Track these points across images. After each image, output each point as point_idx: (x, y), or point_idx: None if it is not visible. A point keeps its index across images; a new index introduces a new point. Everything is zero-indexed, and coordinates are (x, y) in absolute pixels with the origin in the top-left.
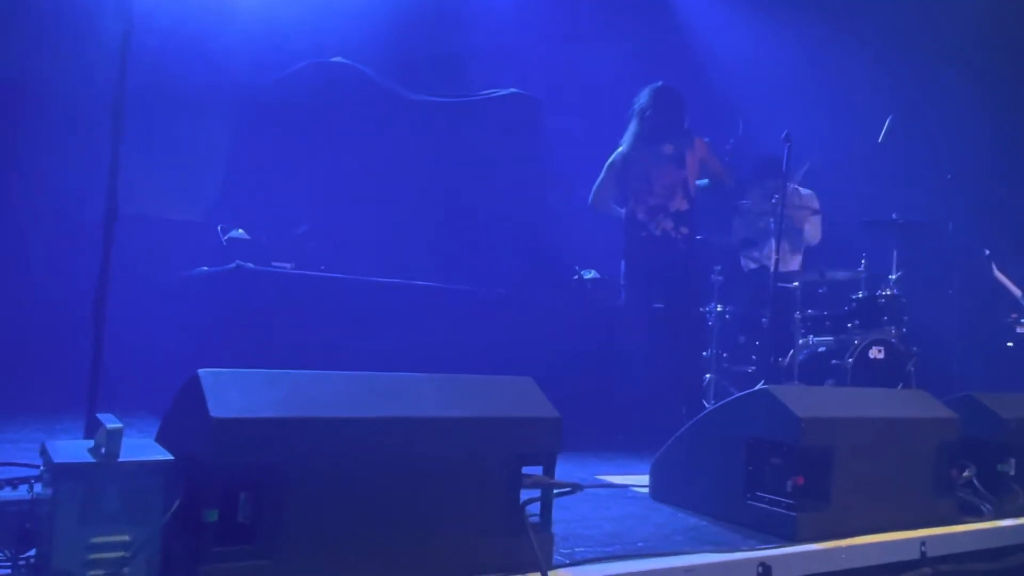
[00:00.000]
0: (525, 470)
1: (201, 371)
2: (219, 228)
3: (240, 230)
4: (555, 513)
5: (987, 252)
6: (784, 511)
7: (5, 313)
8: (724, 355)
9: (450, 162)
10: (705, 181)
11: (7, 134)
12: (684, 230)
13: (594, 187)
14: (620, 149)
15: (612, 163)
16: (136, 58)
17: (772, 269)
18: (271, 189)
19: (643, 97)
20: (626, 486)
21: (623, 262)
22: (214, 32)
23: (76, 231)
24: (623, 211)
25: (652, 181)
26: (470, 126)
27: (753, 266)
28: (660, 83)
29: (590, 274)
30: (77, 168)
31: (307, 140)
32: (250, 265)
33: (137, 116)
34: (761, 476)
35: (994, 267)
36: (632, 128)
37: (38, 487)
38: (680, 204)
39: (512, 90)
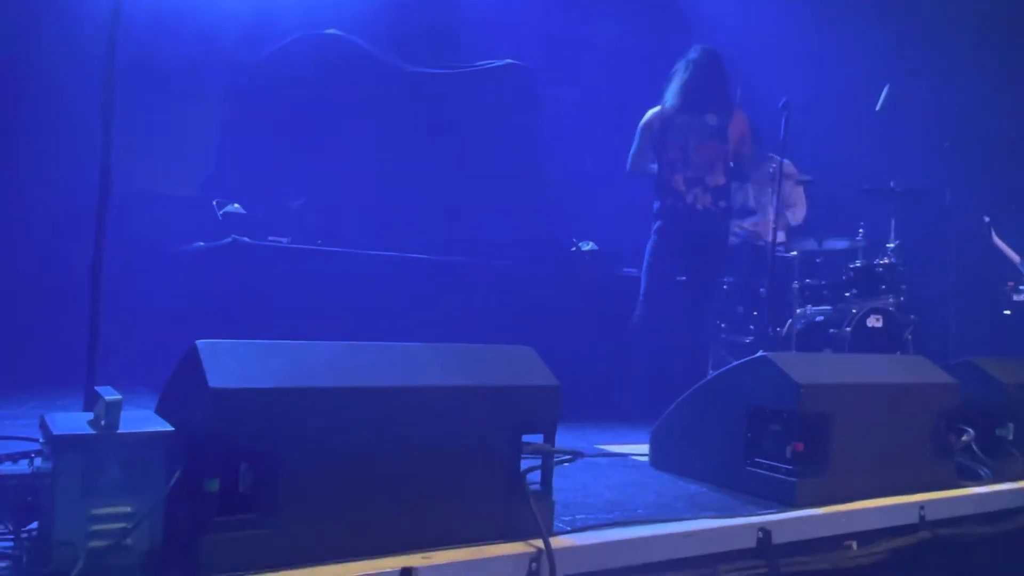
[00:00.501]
0: (525, 438)
1: (199, 342)
2: (214, 203)
3: (236, 204)
4: (555, 482)
5: (986, 219)
6: (783, 477)
7: (2, 291)
8: (722, 325)
9: (446, 133)
10: None
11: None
12: (722, 203)
13: (631, 152)
14: (656, 110)
15: (648, 124)
16: (126, 34)
17: (770, 239)
18: (266, 163)
19: (690, 57)
20: (625, 455)
21: (654, 231)
22: (204, 6)
23: (72, 208)
24: (660, 173)
25: (691, 152)
26: (466, 97)
27: (736, 237)
28: (707, 46)
29: (588, 246)
30: (72, 145)
31: (301, 113)
32: (246, 239)
33: (129, 92)
34: (760, 443)
35: (993, 234)
36: (674, 89)
37: (38, 461)
38: (718, 178)
39: (508, 61)
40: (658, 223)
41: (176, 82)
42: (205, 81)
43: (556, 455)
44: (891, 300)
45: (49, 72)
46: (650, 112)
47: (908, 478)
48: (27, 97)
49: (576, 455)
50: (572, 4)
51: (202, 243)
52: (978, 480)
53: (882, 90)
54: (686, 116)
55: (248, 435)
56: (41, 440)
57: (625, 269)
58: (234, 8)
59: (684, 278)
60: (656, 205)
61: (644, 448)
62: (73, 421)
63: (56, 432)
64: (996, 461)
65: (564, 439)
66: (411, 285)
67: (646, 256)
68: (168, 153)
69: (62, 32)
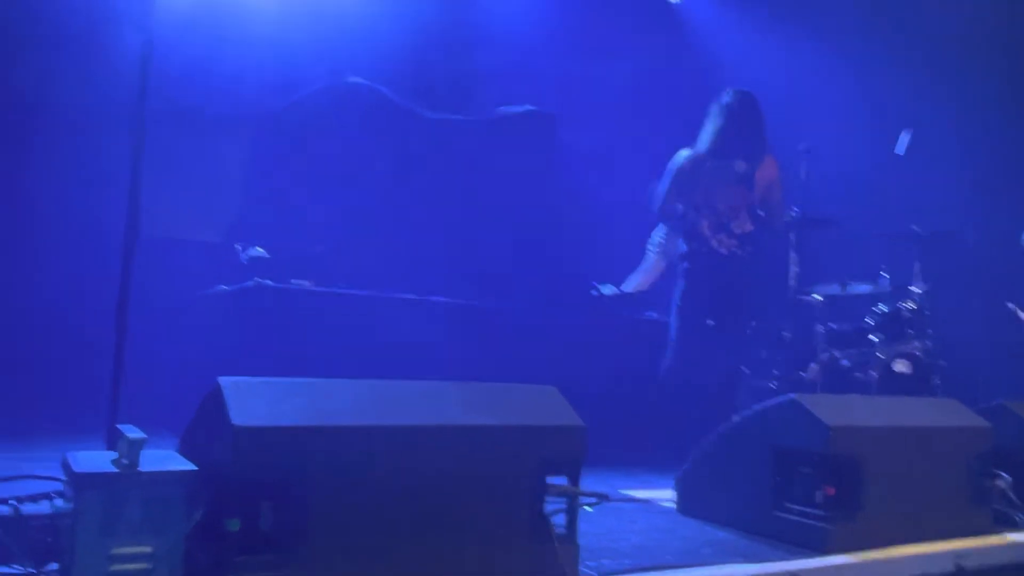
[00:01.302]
0: (549, 480)
1: (222, 379)
2: (237, 247)
3: (259, 248)
4: (580, 526)
5: (1010, 306)
6: (814, 522)
7: (26, 332)
8: (746, 370)
9: (466, 179)
10: None
11: (28, 152)
12: (749, 249)
13: (660, 195)
14: (688, 152)
15: (680, 168)
16: (154, 83)
17: (792, 283)
18: (289, 209)
19: (723, 101)
20: (651, 500)
21: (681, 277)
22: (230, 56)
23: (99, 251)
24: (685, 217)
25: (716, 198)
26: (486, 143)
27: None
28: (742, 89)
29: (608, 289)
30: (97, 188)
31: (324, 160)
32: (269, 282)
33: (156, 139)
34: (790, 487)
35: (1018, 311)
36: (707, 133)
37: (59, 501)
38: (745, 226)
39: (527, 107)
40: (685, 265)
41: (203, 129)
42: (228, 129)
43: (581, 497)
44: (918, 344)
45: (79, 117)
46: (681, 155)
47: (943, 524)
48: (58, 142)
49: (602, 498)
50: (590, 49)
51: (225, 286)
52: (1015, 527)
53: (904, 134)
54: (715, 161)
55: (270, 473)
56: (63, 479)
57: (646, 313)
58: (260, 57)
59: (712, 323)
60: (683, 249)
61: (669, 493)
62: (95, 460)
63: (78, 470)
64: None
65: (586, 483)
66: (432, 328)
67: (675, 300)
68: (194, 200)
69: (93, 79)
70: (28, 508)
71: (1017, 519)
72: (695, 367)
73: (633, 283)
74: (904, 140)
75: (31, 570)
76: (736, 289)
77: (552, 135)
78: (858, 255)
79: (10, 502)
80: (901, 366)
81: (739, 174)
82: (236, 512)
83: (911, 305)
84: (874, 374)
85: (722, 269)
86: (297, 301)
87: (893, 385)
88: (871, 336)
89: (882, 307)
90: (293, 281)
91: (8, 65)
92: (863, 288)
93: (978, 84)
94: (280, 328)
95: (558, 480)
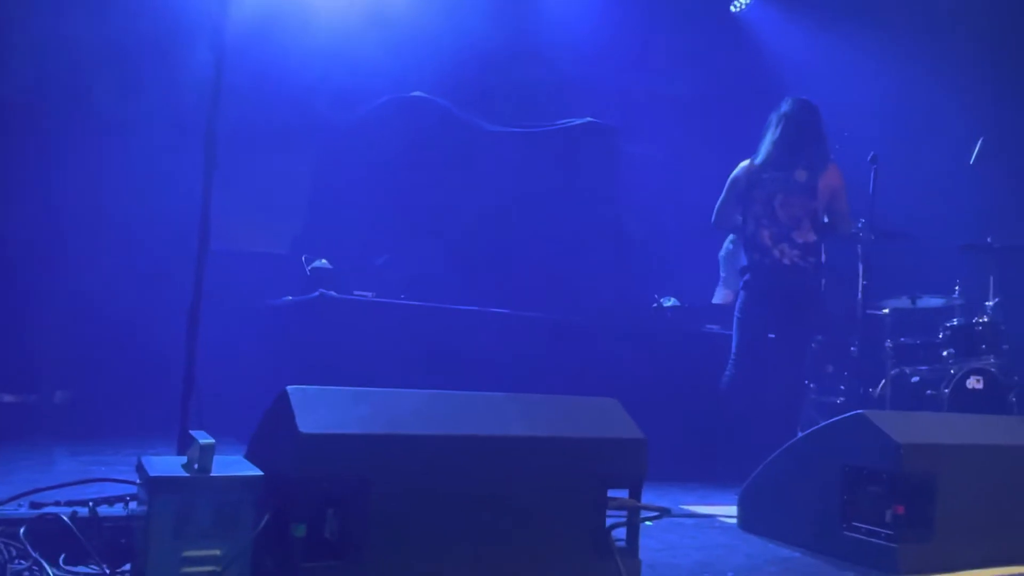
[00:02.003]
0: (611, 493)
1: (290, 388)
2: (303, 258)
3: (323, 260)
4: (641, 541)
5: None
6: (883, 542)
7: (101, 342)
8: (811, 385)
9: (528, 191)
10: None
11: (106, 166)
12: (812, 259)
13: (717, 206)
14: (745, 164)
15: (736, 179)
16: (226, 98)
17: (859, 296)
18: (353, 221)
19: (782, 110)
20: (713, 516)
21: (742, 288)
22: (297, 70)
23: (171, 263)
24: (744, 228)
25: (776, 208)
26: (547, 156)
27: None
28: (801, 97)
29: (669, 302)
30: (171, 200)
31: (388, 173)
32: (333, 293)
33: (225, 152)
34: (858, 505)
35: None
36: (765, 144)
37: (133, 504)
38: (807, 236)
39: (588, 119)
40: (746, 277)
41: (270, 142)
42: (294, 143)
43: (643, 511)
44: (992, 360)
45: (154, 132)
46: (740, 166)
47: (1019, 546)
48: (133, 156)
49: (664, 512)
50: (652, 61)
51: (291, 297)
52: None
53: (976, 143)
54: (774, 172)
55: (335, 480)
56: (137, 482)
57: (708, 326)
58: (327, 72)
59: (773, 335)
60: (744, 261)
61: (731, 510)
62: (168, 464)
63: (152, 474)
64: None
65: (647, 499)
66: (494, 339)
67: (736, 312)
68: (261, 212)
69: (167, 94)
70: (103, 510)
71: None
72: (757, 380)
73: (720, 296)
74: (977, 148)
75: (106, 570)
76: (799, 301)
77: (614, 147)
78: (929, 268)
79: (88, 504)
80: (974, 382)
81: (800, 183)
82: (302, 518)
83: (984, 319)
84: (946, 391)
85: (784, 280)
86: (360, 312)
87: (966, 402)
88: (943, 351)
89: (954, 321)
90: (356, 292)
91: (88, 82)
92: (934, 302)
93: None
94: (344, 338)
95: (620, 493)
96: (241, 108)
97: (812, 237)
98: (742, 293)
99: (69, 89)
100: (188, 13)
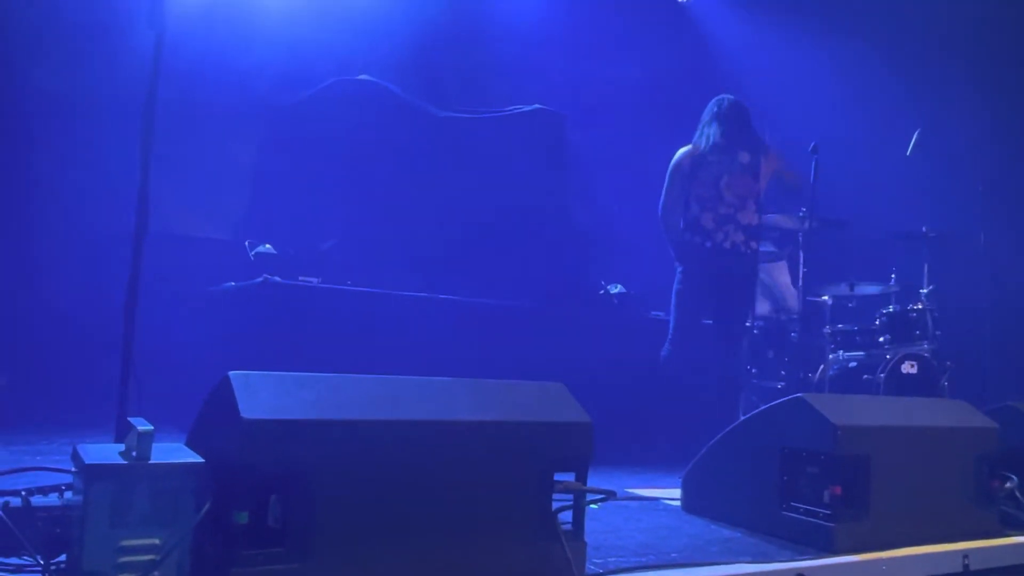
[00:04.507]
0: (557, 476)
1: (232, 373)
2: (246, 243)
3: (267, 245)
4: (586, 524)
5: None
6: (821, 521)
7: (35, 327)
8: (752, 370)
9: (475, 178)
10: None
11: (41, 147)
12: (753, 244)
13: (663, 197)
14: (686, 149)
15: (679, 164)
16: (164, 78)
17: (800, 283)
18: (298, 206)
19: (718, 104)
20: (657, 498)
21: (679, 273)
22: (240, 52)
23: (108, 247)
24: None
25: (724, 189)
26: (495, 142)
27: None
28: (733, 97)
29: (616, 288)
30: (108, 183)
31: (333, 157)
32: (277, 279)
33: (165, 135)
34: (796, 486)
35: None
36: (709, 132)
37: (68, 494)
38: (751, 217)
39: (536, 106)
40: (683, 259)
41: (209, 126)
42: (237, 126)
43: (589, 494)
44: (926, 346)
45: (92, 113)
46: (680, 152)
47: (950, 525)
48: (71, 137)
49: (609, 495)
50: (598, 48)
51: (233, 283)
52: (1022, 528)
53: (913, 135)
54: (718, 154)
55: (278, 467)
56: (73, 470)
57: (653, 312)
58: (270, 54)
59: (710, 321)
60: (683, 245)
61: (675, 492)
62: (105, 452)
63: (88, 461)
64: None
65: (592, 482)
66: (439, 325)
67: (673, 293)
68: (200, 196)
69: (105, 75)
70: (38, 500)
71: None
72: (693, 361)
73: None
74: (913, 140)
75: (40, 561)
76: (736, 286)
77: (561, 134)
78: (866, 256)
79: (20, 494)
80: (908, 367)
81: (744, 164)
82: (244, 505)
83: (919, 306)
84: (882, 375)
85: (722, 264)
86: (305, 297)
87: (901, 386)
88: (879, 337)
89: (890, 308)
90: (301, 278)
91: (28, 63)
92: (871, 289)
93: (988, 83)
94: (288, 324)
95: (566, 477)
96: (181, 88)
97: (756, 219)
98: (679, 276)
99: (7, 64)
100: None
